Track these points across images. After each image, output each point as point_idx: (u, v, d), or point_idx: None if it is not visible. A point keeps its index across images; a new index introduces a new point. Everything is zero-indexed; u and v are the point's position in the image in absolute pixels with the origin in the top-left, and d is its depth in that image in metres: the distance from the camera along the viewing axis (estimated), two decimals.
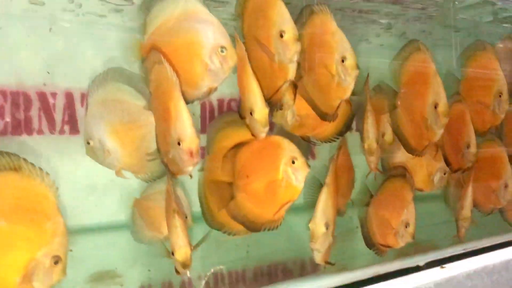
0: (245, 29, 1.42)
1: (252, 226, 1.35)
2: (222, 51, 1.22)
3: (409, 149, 1.78)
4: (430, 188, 1.90)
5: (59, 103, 1.88)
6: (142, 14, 1.29)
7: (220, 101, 1.91)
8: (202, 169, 1.36)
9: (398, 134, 1.81)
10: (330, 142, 1.59)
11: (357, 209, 1.78)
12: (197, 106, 1.93)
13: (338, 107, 1.44)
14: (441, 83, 1.68)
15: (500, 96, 1.86)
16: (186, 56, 1.23)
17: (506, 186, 1.95)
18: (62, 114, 1.89)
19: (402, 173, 1.73)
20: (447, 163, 1.89)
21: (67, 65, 1.75)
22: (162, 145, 1.26)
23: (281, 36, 1.30)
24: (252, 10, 1.40)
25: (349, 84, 1.42)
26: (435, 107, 1.67)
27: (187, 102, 1.22)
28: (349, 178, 1.75)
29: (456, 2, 2.07)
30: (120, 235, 1.62)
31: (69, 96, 1.93)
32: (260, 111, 1.29)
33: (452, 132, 1.88)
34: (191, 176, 1.35)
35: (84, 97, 1.74)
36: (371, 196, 1.77)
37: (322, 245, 1.37)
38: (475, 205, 2.00)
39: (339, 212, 1.83)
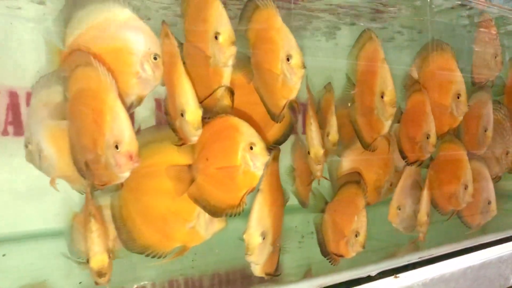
0: (187, 28, 1.34)
1: (214, 211, 1.29)
2: (155, 59, 1.19)
3: (364, 145, 1.73)
4: (376, 200, 1.85)
5: (2, 102, 1.81)
6: (62, 22, 1.23)
7: None
8: (118, 188, 1.28)
9: (355, 129, 1.77)
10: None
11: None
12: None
13: (284, 107, 1.37)
14: (388, 70, 1.62)
15: (458, 97, 1.80)
16: (114, 64, 1.18)
17: (465, 187, 1.88)
18: (5, 114, 1.82)
19: (357, 179, 1.66)
20: (403, 155, 1.84)
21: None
22: (82, 151, 1.19)
23: (216, 38, 1.23)
24: (194, 9, 1.32)
25: (295, 84, 1.34)
26: (382, 97, 1.62)
27: None
28: (308, 169, 1.68)
29: (433, 6, 2.04)
30: (56, 244, 1.52)
31: (13, 96, 1.86)
32: (192, 112, 1.20)
33: (410, 123, 1.84)
34: (122, 184, 1.28)
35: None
36: (326, 202, 1.70)
37: (259, 257, 1.29)
38: (435, 206, 1.95)
39: (303, 205, 1.83)
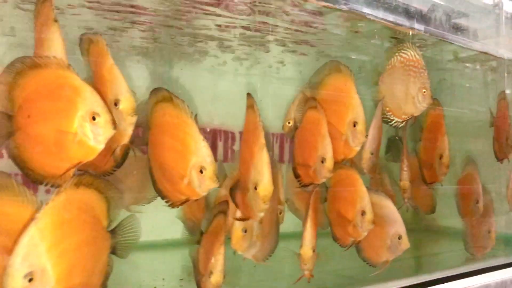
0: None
1: (32, 176, 1.12)
2: None
3: None
4: None
5: None
6: None
7: None
8: None
9: None
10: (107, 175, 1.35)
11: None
12: None
13: (114, 150, 1.27)
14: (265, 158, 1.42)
15: (354, 125, 1.63)
16: None
17: (363, 213, 1.69)
18: None
19: (224, 209, 1.52)
20: (296, 175, 1.72)
21: None
22: None
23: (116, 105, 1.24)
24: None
25: (125, 130, 1.25)
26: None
27: None
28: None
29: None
30: None
31: None
32: None
33: (304, 143, 1.72)
34: None
35: None
36: (202, 233, 1.59)
37: None
38: (335, 239, 1.81)
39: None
